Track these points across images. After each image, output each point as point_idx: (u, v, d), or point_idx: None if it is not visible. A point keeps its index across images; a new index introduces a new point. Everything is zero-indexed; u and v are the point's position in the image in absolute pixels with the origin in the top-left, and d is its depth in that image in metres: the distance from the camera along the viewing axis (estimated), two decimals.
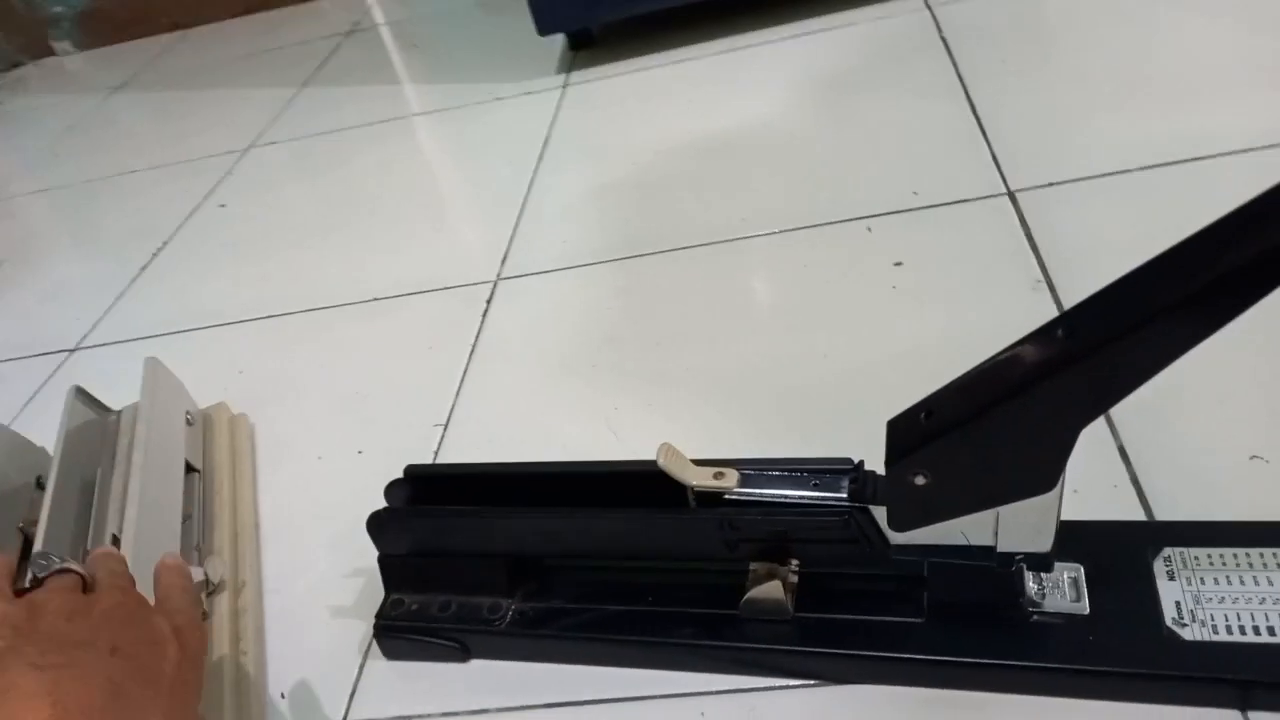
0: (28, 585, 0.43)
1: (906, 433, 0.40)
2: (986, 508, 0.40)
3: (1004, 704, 0.43)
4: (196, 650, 0.43)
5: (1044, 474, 0.39)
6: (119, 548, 0.53)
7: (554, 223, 0.92)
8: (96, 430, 0.65)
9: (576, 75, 1.22)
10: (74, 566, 0.44)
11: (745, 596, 0.47)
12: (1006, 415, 0.37)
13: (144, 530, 0.53)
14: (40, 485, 0.65)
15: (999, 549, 0.42)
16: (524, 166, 1.03)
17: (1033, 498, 0.39)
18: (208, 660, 0.53)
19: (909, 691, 0.45)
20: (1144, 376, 0.35)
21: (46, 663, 0.36)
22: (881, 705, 0.44)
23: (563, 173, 1.01)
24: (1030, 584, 0.45)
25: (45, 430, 0.68)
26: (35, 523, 0.58)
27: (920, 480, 0.40)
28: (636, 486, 0.48)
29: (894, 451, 0.40)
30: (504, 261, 0.88)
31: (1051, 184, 0.75)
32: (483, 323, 0.80)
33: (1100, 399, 0.35)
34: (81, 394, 0.66)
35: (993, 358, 0.39)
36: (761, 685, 0.47)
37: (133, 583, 0.45)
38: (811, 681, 0.46)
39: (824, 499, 0.44)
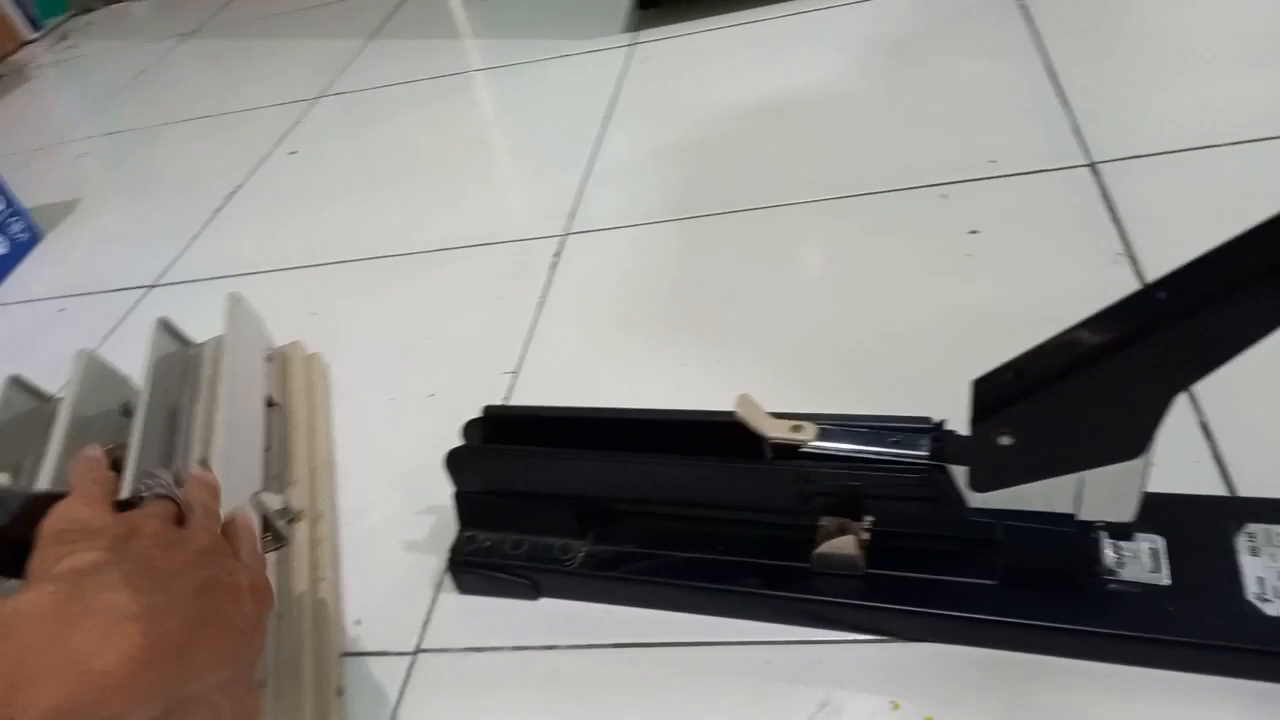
0: (127, 498, 0.44)
1: (994, 391, 0.40)
2: (1071, 471, 0.40)
3: (1076, 670, 0.43)
4: (264, 608, 0.41)
5: (1134, 439, 0.38)
6: None
7: (621, 180, 0.92)
8: (180, 361, 0.67)
9: (644, 34, 1.21)
10: (174, 494, 0.43)
11: (817, 550, 0.48)
12: (1102, 375, 0.36)
13: (230, 458, 0.54)
14: (125, 412, 0.67)
15: (1079, 516, 0.42)
16: (591, 123, 1.03)
17: (1120, 464, 0.39)
18: (287, 585, 0.55)
19: (978, 652, 0.45)
20: (1246, 342, 0.34)
21: (142, 586, 0.34)
22: (950, 664, 0.45)
23: (630, 130, 1.01)
24: (1108, 552, 0.45)
25: (127, 362, 0.70)
26: (122, 446, 0.61)
27: (1006, 440, 0.40)
28: (710, 436, 0.48)
29: (980, 410, 0.40)
30: (572, 216, 0.88)
31: (1136, 156, 0.73)
32: (551, 275, 0.81)
33: (1202, 362, 0.35)
34: (166, 326, 0.68)
35: (1086, 319, 0.39)
36: (830, 638, 0.48)
37: (218, 522, 0.44)
38: (880, 637, 0.47)
39: (904, 456, 0.44)
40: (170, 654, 0.33)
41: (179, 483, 0.45)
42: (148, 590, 0.34)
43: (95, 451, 0.44)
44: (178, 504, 0.43)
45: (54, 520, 0.38)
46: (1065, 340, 0.39)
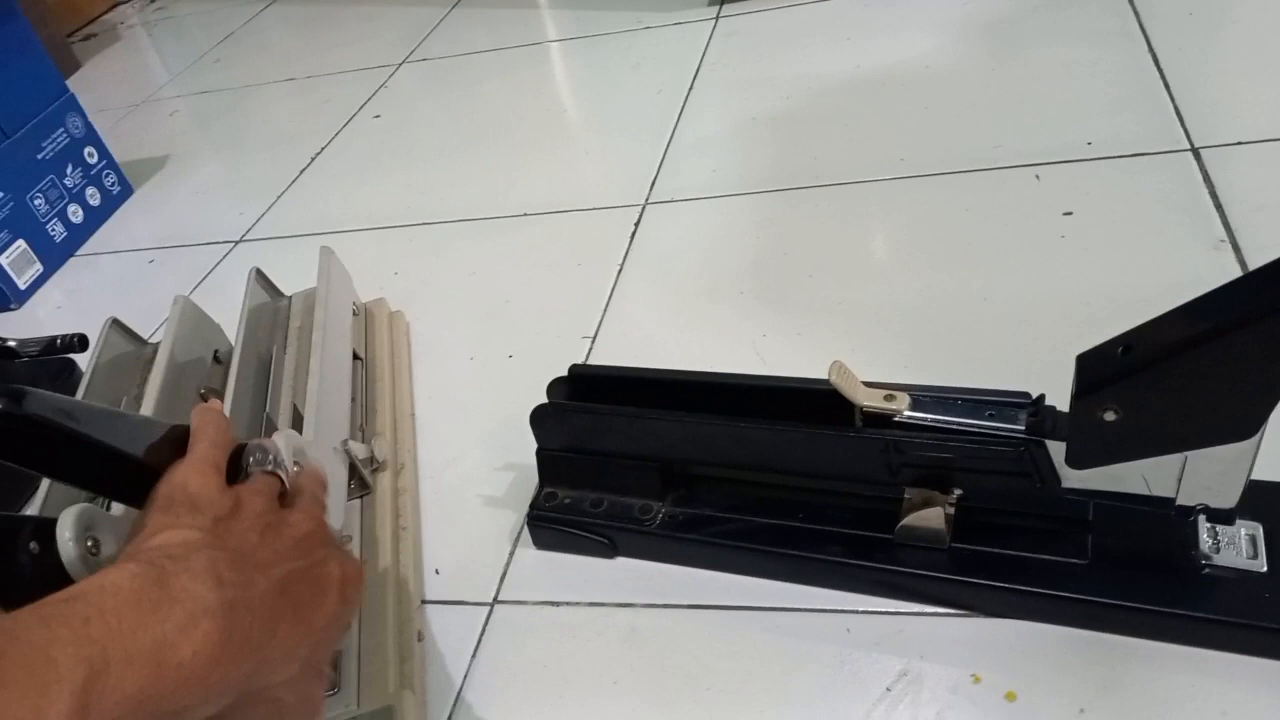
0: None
1: (1100, 366, 0.39)
2: (1176, 451, 0.39)
3: (1165, 654, 0.42)
4: (351, 604, 0.39)
5: (1246, 420, 0.37)
6: (299, 419, 0.56)
7: (703, 151, 0.92)
8: (270, 311, 0.69)
9: (729, 7, 1.20)
10: (281, 472, 0.42)
11: (902, 522, 0.47)
12: (1217, 353, 0.36)
13: (320, 406, 0.56)
14: (217, 359, 0.69)
15: (1180, 500, 0.41)
16: (674, 95, 1.03)
17: (1229, 445, 0.38)
18: (371, 532, 0.56)
19: (1064, 631, 0.44)
20: None
21: (226, 578, 0.33)
22: (1035, 642, 0.44)
23: (713, 103, 1.00)
24: (1205, 537, 0.44)
25: (216, 309, 0.72)
26: (214, 390, 0.63)
27: (1110, 416, 0.39)
28: (799, 402, 0.48)
29: (1085, 385, 0.39)
30: (653, 186, 0.88)
31: (1241, 142, 0.71)
32: (631, 243, 0.81)
33: None
34: (260, 276, 0.70)
35: (1202, 296, 0.38)
36: (911, 610, 0.47)
37: (324, 509, 0.43)
38: (963, 611, 0.46)
39: (999, 429, 0.43)
40: (243, 653, 0.32)
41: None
42: (231, 583, 0.33)
43: (218, 405, 0.44)
44: (284, 484, 0.42)
45: (165, 486, 0.37)
46: (1178, 316, 0.38)
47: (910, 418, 0.45)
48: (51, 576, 0.38)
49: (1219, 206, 0.66)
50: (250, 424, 0.58)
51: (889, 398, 0.46)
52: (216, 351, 0.70)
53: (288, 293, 0.73)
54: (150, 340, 0.72)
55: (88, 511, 0.40)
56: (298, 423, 0.55)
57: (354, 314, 0.71)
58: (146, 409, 0.58)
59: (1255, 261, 0.60)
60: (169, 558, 0.33)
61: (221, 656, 0.31)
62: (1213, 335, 0.36)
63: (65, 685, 0.26)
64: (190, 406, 0.63)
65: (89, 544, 0.39)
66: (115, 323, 0.69)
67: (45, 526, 0.40)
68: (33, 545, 0.39)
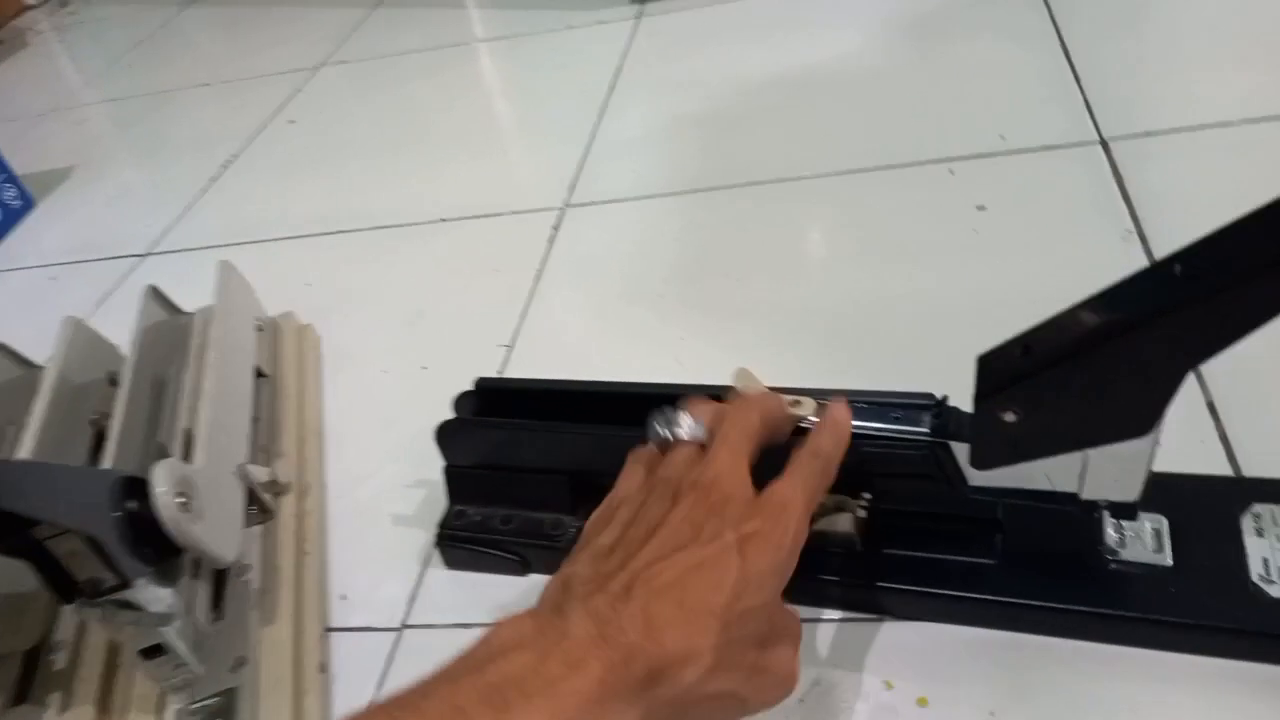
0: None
1: (1000, 367, 0.39)
2: (1077, 449, 0.39)
3: (1075, 651, 0.42)
4: (762, 558, 0.35)
5: (1143, 417, 0.37)
6: (191, 444, 0.53)
7: (624, 153, 0.91)
8: (169, 330, 0.66)
9: (651, 6, 1.19)
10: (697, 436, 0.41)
11: (812, 528, 0.46)
12: (1115, 352, 0.35)
13: (216, 428, 0.53)
14: (112, 381, 0.66)
15: (1083, 495, 0.40)
16: (595, 95, 1.01)
17: (1126, 442, 0.38)
18: (272, 560, 0.54)
19: (976, 633, 0.44)
20: (1266, 318, 0.33)
21: (600, 610, 0.32)
22: (947, 645, 0.44)
23: (634, 104, 0.99)
24: (1110, 532, 0.43)
25: (117, 330, 0.69)
26: (107, 415, 0.60)
27: (1010, 417, 0.38)
28: None
29: (986, 386, 0.39)
30: (572, 189, 0.87)
31: (1148, 133, 0.72)
32: (549, 248, 0.80)
33: (1218, 339, 0.34)
34: (156, 293, 0.67)
35: (1097, 294, 0.37)
36: (823, 617, 0.46)
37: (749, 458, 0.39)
38: (875, 616, 0.46)
39: (904, 432, 0.43)
40: (629, 670, 0.31)
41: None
42: (604, 616, 0.32)
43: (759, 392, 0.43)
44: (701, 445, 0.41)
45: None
46: (1075, 316, 0.37)
47: (816, 424, 0.44)
48: (148, 534, 0.42)
49: (1127, 198, 0.66)
50: (141, 451, 0.55)
51: (795, 404, 0.45)
52: (112, 374, 0.66)
53: (193, 309, 0.70)
54: (43, 364, 0.69)
55: (176, 466, 0.43)
56: (189, 448, 0.53)
57: (258, 329, 0.68)
58: (29, 437, 0.55)
59: (1161, 251, 0.61)
60: (566, 594, 0.34)
61: (608, 680, 0.30)
62: (1108, 337, 0.35)
63: None
64: (80, 433, 0.61)
65: (180, 500, 0.42)
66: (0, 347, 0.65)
67: (135, 484, 0.43)
68: (130, 503, 0.42)
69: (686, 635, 0.32)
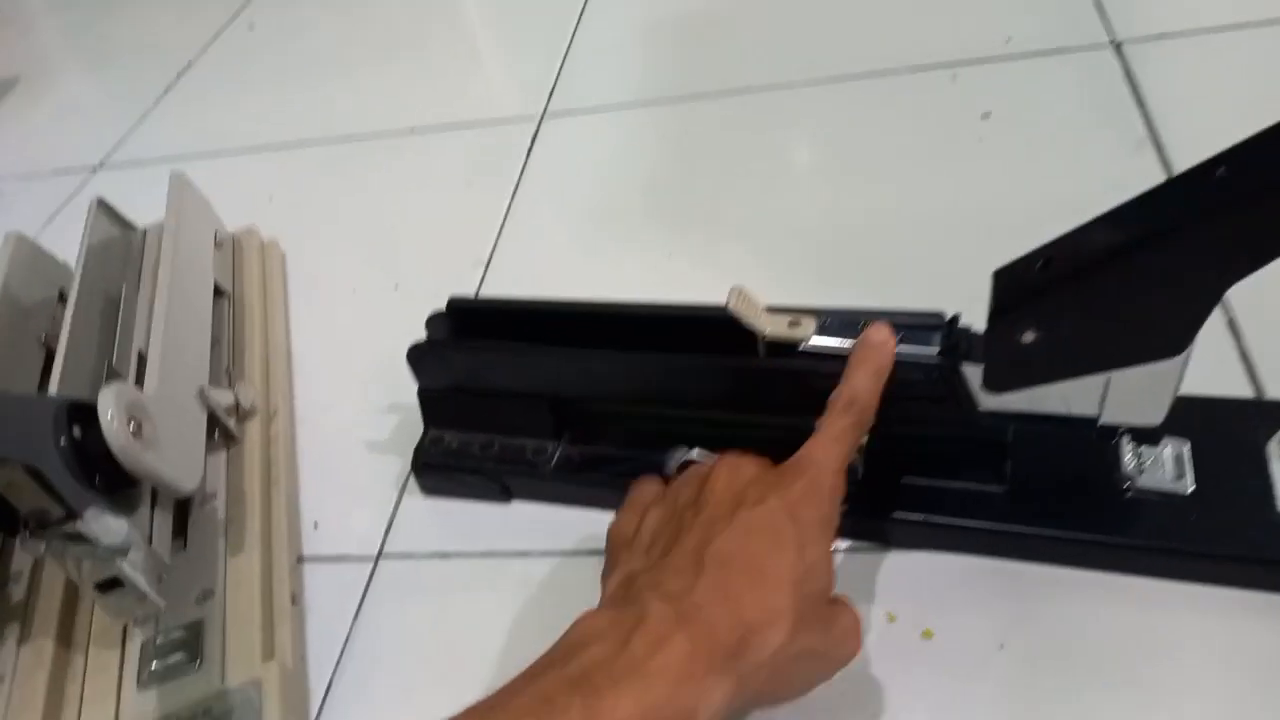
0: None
1: (1018, 283, 0.36)
2: (1100, 371, 0.36)
3: (1089, 581, 0.40)
4: (810, 524, 0.34)
5: (1174, 336, 0.34)
6: (144, 366, 0.50)
7: (605, 58, 0.86)
8: (120, 246, 0.62)
9: None
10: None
11: None
12: (1147, 264, 0.32)
13: (170, 349, 0.49)
14: (63, 299, 0.62)
15: (1103, 420, 0.38)
16: None
17: (1155, 363, 0.35)
18: (238, 487, 0.51)
19: (982, 562, 0.42)
20: None
21: (671, 588, 0.32)
22: (953, 575, 0.42)
23: (615, 4, 0.93)
24: (1127, 458, 0.41)
25: (67, 247, 0.64)
26: (56, 337, 0.56)
27: (1029, 337, 0.36)
28: (699, 332, 0.44)
29: (1002, 303, 0.36)
30: (550, 97, 0.82)
31: (1163, 35, 0.67)
32: (526, 160, 0.75)
33: (1266, 249, 0.31)
34: (105, 207, 0.62)
35: (1128, 202, 0.34)
36: None
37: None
38: (877, 546, 0.43)
39: (911, 353, 0.40)
40: (715, 641, 0.30)
41: None
42: (676, 590, 0.32)
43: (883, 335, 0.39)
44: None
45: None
46: (1102, 225, 0.34)
47: (816, 346, 0.41)
48: (97, 463, 0.39)
49: (1141, 103, 0.62)
50: (92, 374, 0.51)
51: (793, 324, 0.42)
52: (63, 292, 0.62)
53: (146, 224, 0.66)
54: None
55: (125, 390, 0.40)
56: (143, 371, 0.49)
57: (217, 245, 0.64)
58: None
59: (1178, 161, 0.57)
60: (631, 583, 0.34)
61: (695, 652, 0.30)
62: (1140, 245, 0.32)
63: (570, 715, 0.28)
64: (30, 354, 0.57)
65: (132, 426, 0.39)
66: None
67: (81, 410, 0.40)
68: (75, 430, 0.39)
69: (764, 598, 0.32)
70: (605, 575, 0.38)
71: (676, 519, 0.36)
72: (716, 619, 0.31)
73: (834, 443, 0.37)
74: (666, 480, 0.41)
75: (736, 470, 0.37)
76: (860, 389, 0.38)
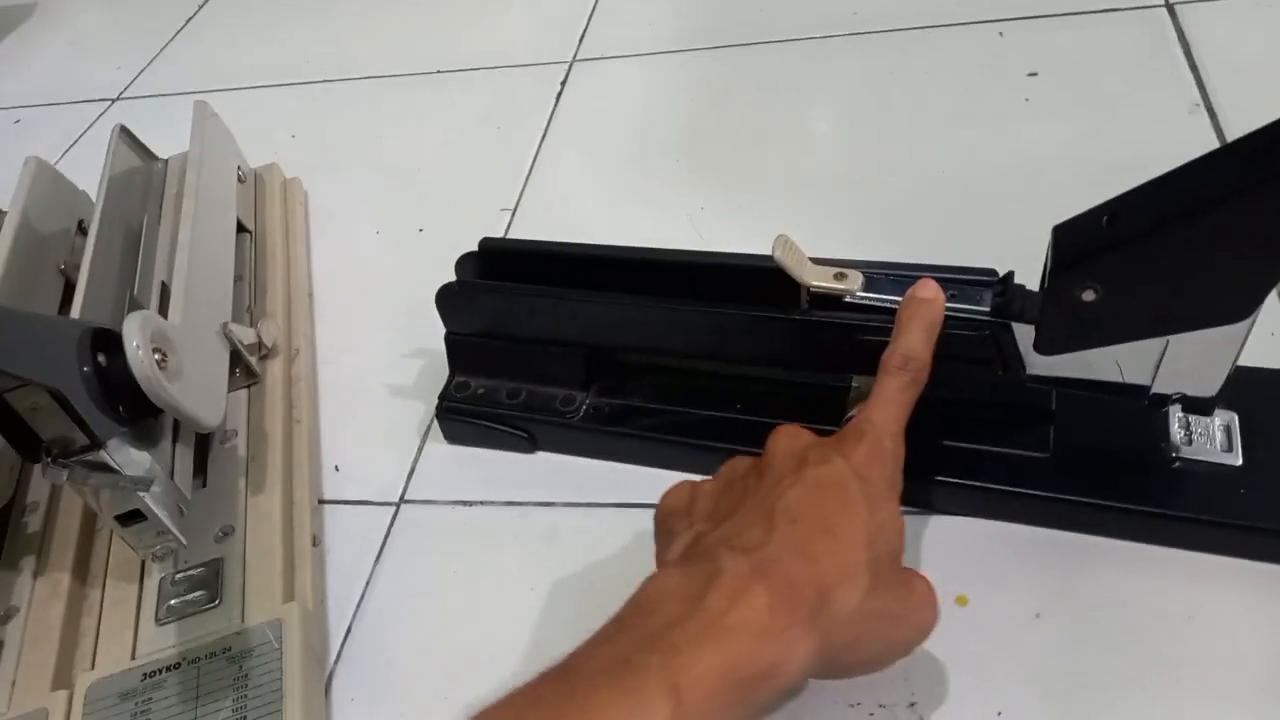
0: None
1: (1081, 238, 0.34)
2: (1160, 334, 0.35)
3: (1130, 552, 0.39)
4: (875, 493, 0.33)
5: (1242, 300, 0.33)
6: (167, 299, 0.49)
7: (638, 2, 0.83)
8: (142, 176, 0.61)
9: None
10: None
11: (849, 414, 0.43)
12: (1220, 222, 0.31)
13: (194, 281, 0.48)
14: (83, 229, 0.61)
15: (1155, 388, 0.37)
16: None
17: (1218, 329, 0.34)
18: (259, 426, 0.50)
19: (1023, 530, 0.41)
20: None
21: (742, 542, 0.31)
22: (991, 542, 0.41)
23: None
24: (1176, 428, 0.40)
25: (87, 177, 0.63)
26: (77, 266, 0.55)
27: (1089, 296, 0.34)
28: (739, 281, 0.43)
29: (1063, 259, 0.34)
30: (581, 41, 0.80)
31: None
32: (556, 105, 0.73)
33: None
34: (127, 135, 0.61)
35: (1200, 158, 0.33)
36: None
37: None
38: (914, 509, 0.42)
39: (961, 310, 0.38)
40: (797, 594, 0.29)
41: None
42: (760, 546, 0.30)
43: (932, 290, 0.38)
44: None
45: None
46: (1171, 184, 0.33)
47: (862, 298, 0.40)
48: (121, 392, 0.38)
49: (1194, 67, 0.60)
50: (113, 304, 0.50)
51: (839, 276, 0.40)
52: (82, 222, 0.61)
53: (167, 156, 0.64)
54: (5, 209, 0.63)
55: (150, 319, 0.39)
56: (166, 303, 0.48)
57: (239, 180, 0.63)
58: None
59: (1232, 127, 0.56)
60: (697, 545, 0.33)
61: (776, 604, 0.28)
62: (1212, 203, 0.31)
63: (649, 675, 0.26)
64: (49, 283, 0.56)
65: (156, 356, 0.38)
66: None
67: (106, 336, 0.39)
68: (100, 357, 0.38)
69: (838, 554, 0.31)
70: (661, 551, 0.36)
71: (740, 484, 0.35)
72: (795, 571, 0.29)
73: (890, 404, 0.35)
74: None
75: (796, 436, 0.36)
76: (914, 346, 0.37)
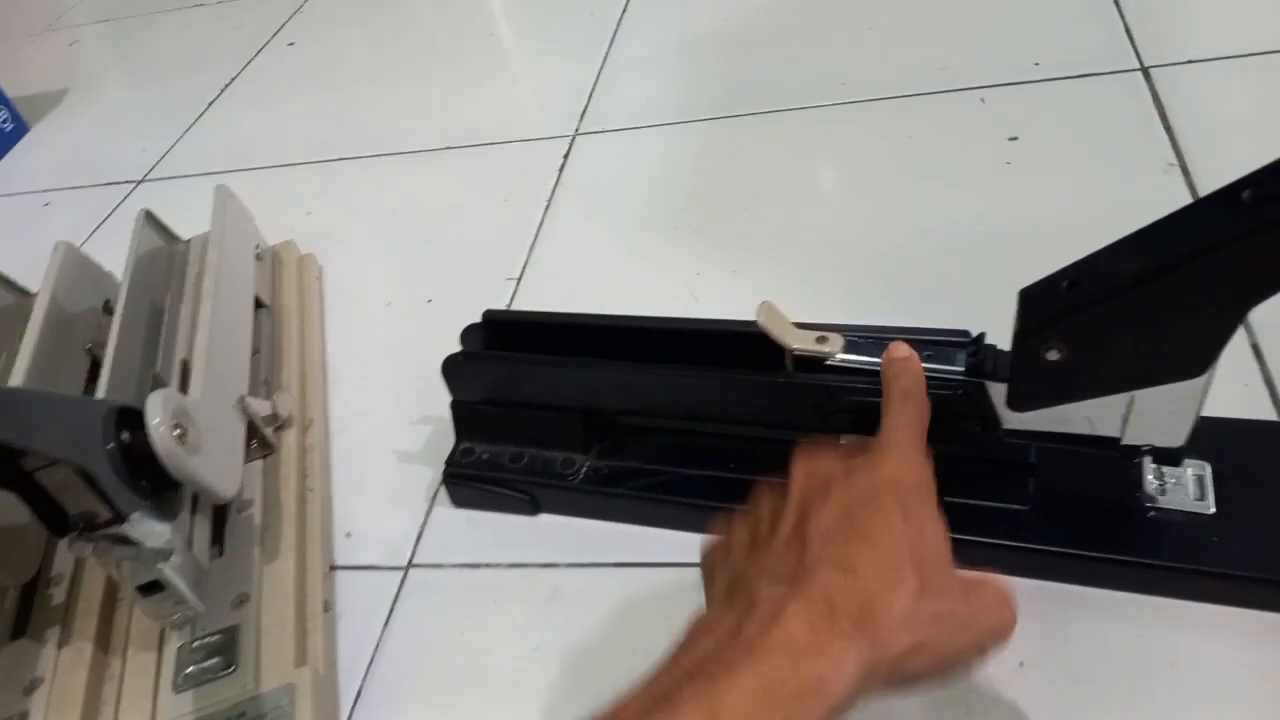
0: None
1: (1045, 302, 0.36)
2: (1123, 390, 0.37)
3: (1110, 601, 0.40)
4: (911, 498, 0.33)
5: (1197, 358, 0.35)
6: (188, 375, 0.51)
7: (638, 76, 0.87)
8: (165, 257, 0.64)
9: None
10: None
11: None
12: (1172, 286, 0.33)
13: (213, 358, 0.51)
14: (108, 309, 0.64)
15: (1125, 440, 0.38)
16: (608, 14, 0.97)
17: (1177, 383, 0.36)
18: (275, 495, 0.52)
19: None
20: None
21: (774, 568, 0.32)
22: None
23: (649, 22, 0.95)
24: (1150, 478, 0.41)
25: (112, 257, 0.67)
26: (103, 345, 0.57)
27: (1054, 356, 0.36)
28: (728, 346, 0.45)
29: (1029, 323, 0.36)
30: (583, 115, 0.83)
31: (1191, 61, 0.68)
32: (559, 177, 0.76)
33: None
34: (151, 219, 0.64)
35: (1154, 223, 0.35)
36: None
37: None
38: None
39: (938, 370, 0.40)
40: (836, 609, 0.29)
41: None
42: (795, 571, 0.31)
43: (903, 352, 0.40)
44: None
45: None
46: (1127, 247, 0.35)
47: (843, 361, 0.42)
48: (143, 467, 0.40)
49: (1169, 128, 0.63)
50: (137, 381, 0.53)
51: (821, 340, 0.42)
52: (108, 302, 0.64)
53: (189, 236, 0.68)
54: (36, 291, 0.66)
55: (172, 396, 0.42)
56: (187, 379, 0.51)
57: (257, 258, 0.66)
58: (21, 365, 0.53)
59: (1204, 184, 0.58)
60: (738, 585, 0.33)
61: (813, 621, 0.29)
62: (1166, 269, 0.33)
63: (684, 705, 0.27)
64: (76, 362, 0.59)
65: (177, 431, 0.41)
66: None
67: (129, 414, 0.41)
68: (124, 434, 0.41)
69: (878, 559, 0.30)
70: (708, 601, 0.36)
71: (769, 519, 0.35)
72: (832, 585, 0.29)
73: (906, 426, 0.36)
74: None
75: (816, 458, 0.36)
76: (908, 387, 0.38)
